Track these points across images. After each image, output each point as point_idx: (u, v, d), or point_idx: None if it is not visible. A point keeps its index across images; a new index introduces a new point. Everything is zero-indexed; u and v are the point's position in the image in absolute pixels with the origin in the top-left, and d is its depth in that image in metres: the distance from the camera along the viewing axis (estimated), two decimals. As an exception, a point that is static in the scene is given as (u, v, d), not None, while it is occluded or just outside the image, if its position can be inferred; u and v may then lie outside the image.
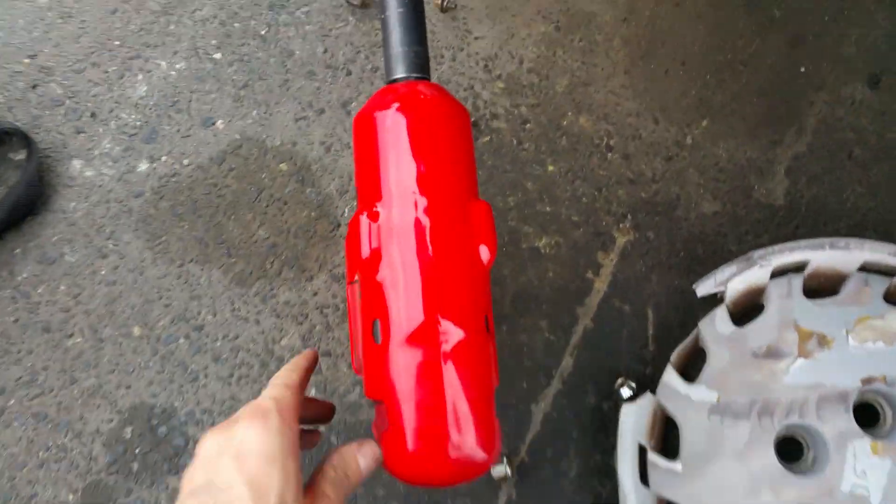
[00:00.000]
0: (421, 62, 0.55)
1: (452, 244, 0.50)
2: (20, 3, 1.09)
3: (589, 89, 1.19)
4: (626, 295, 1.04)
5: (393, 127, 0.51)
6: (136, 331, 0.92)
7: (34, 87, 1.02)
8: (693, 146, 1.16)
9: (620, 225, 1.09)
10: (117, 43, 1.09)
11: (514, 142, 1.14)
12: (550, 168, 1.12)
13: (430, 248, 0.49)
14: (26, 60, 1.04)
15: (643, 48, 1.24)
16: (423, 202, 0.50)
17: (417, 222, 0.49)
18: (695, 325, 0.93)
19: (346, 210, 1.04)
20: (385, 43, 0.55)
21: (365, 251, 0.50)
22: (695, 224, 1.10)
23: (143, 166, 1.01)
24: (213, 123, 1.05)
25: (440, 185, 0.51)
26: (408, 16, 0.54)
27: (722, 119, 1.19)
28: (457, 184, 0.52)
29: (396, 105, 0.51)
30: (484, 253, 0.51)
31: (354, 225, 0.52)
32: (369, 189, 0.51)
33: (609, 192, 1.11)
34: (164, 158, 1.02)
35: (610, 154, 1.14)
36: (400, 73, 0.54)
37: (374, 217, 0.49)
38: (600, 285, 1.05)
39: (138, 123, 1.03)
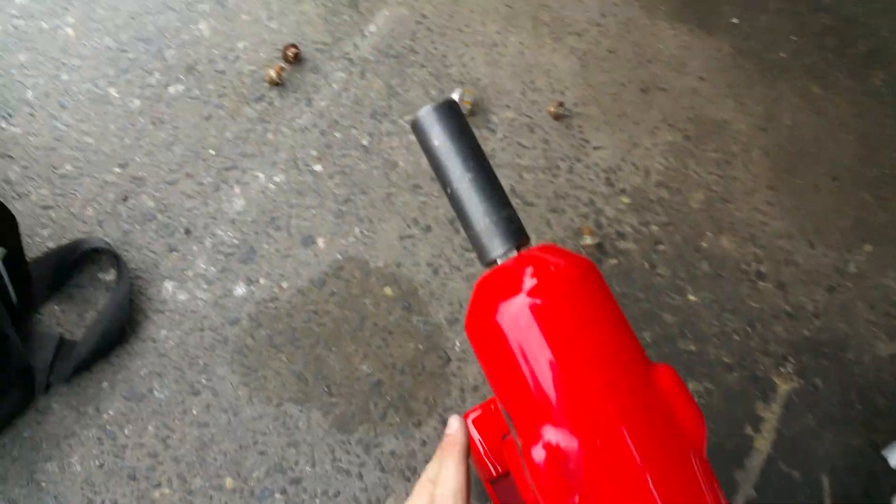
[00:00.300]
0: (517, 225, 0.50)
1: (667, 448, 0.44)
2: (112, 107, 1.18)
3: (729, 206, 1.21)
4: (794, 457, 1.01)
5: (533, 320, 0.45)
6: (229, 483, 0.93)
7: (125, 199, 1.09)
8: (857, 275, 1.16)
9: (781, 369, 1.07)
10: (212, 152, 1.16)
11: (646, 265, 1.15)
12: (691, 297, 1.12)
13: (647, 470, 0.43)
14: (117, 170, 1.12)
15: (787, 160, 1.27)
16: (610, 403, 0.44)
17: (619, 437, 0.43)
18: (881, 495, 0.89)
19: (458, 342, 1.05)
20: (464, 221, 0.50)
21: (562, 497, 0.43)
22: (870, 369, 1.07)
23: (240, 290, 1.05)
24: (314, 242, 1.10)
25: (618, 374, 0.45)
26: (480, 179, 0.50)
27: (887, 243, 1.18)
28: (632, 360, 0.46)
29: (530, 284, 0.46)
30: (696, 434, 0.47)
31: (514, 464, 0.47)
32: (526, 409, 0.45)
33: (764, 327, 1.10)
34: (261, 281, 1.05)
35: (761, 282, 1.14)
36: (500, 248, 0.50)
37: (557, 454, 0.43)
38: (762, 444, 1.02)
39: (235, 241, 1.08)
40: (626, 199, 1.20)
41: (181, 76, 1.22)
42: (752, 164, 1.23)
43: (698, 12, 1.44)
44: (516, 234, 0.51)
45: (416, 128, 0.53)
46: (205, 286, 1.03)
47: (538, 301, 0.45)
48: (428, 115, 0.52)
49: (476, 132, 1.22)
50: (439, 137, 0.51)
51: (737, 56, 1.39)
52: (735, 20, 1.44)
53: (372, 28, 1.34)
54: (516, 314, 0.45)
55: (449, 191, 0.52)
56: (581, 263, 0.48)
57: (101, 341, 0.93)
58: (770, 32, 1.43)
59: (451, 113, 0.52)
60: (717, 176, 1.22)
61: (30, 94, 1.16)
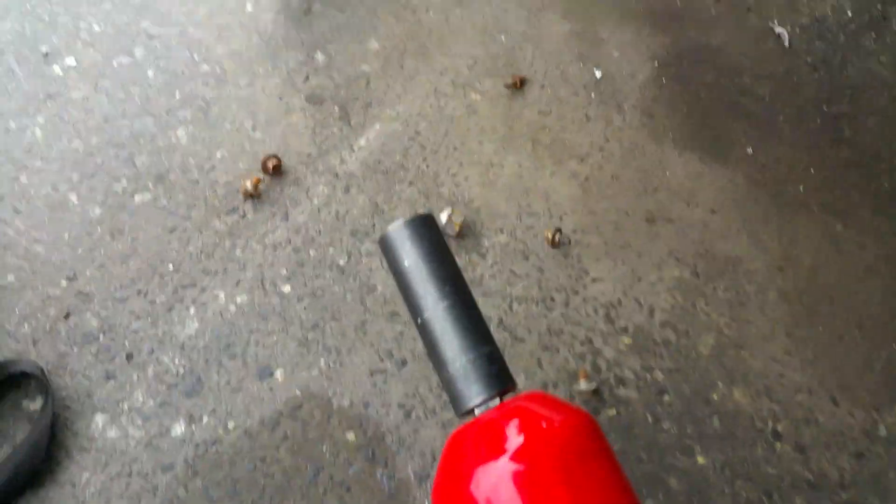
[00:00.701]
0: (500, 367, 0.44)
1: None
2: (70, 214, 1.12)
3: (742, 353, 1.12)
4: None
5: (517, 494, 0.37)
6: None
7: (67, 316, 1.01)
8: (889, 440, 1.04)
9: (802, 552, 0.95)
10: (171, 267, 1.09)
11: (650, 419, 1.04)
12: (700, 460, 1.01)
13: None
14: (64, 283, 1.05)
15: (806, 305, 1.19)
16: None
17: None
18: None
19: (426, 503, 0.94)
20: (437, 359, 0.44)
21: None
22: (909, 558, 0.94)
23: (179, 429, 0.95)
24: (272, 374, 1.01)
25: None
26: (458, 308, 0.44)
27: (924, 405, 1.08)
28: None
29: (515, 445, 0.38)
30: None
31: None
32: None
33: (782, 498, 0.98)
34: (205, 419, 0.95)
35: (779, 444, 1.03)
36: (479, 395, 0.42)
37: None
38: None
39: (181, 371, 0.99)
40: (627, 340, 1.11)
41: (150, 184, 1.17)
42: (768, 308, 1.15)
43: (710, 140, 1.40)
44: (499, 378, 0.43)
45: (385, 246, 0.47)
46: (139, 422, 0.94)
47: (524, 467, 0.37)
48: (398, 232, 0.46)
49: (465, 257, 1.15)
50: (411, 257, 0.45)
51: (752, 188, 1.33)
52: (750, 150, 1.40)
53: (362, 142, 1.30)
54: (496, 484, 0.37)
55: (420, 321, 0.45)
56: (578, 418, 0.40)
57: (6, 485, 0.82)
58: (788, 165, 1.38)
59: (426, 229, 0.46)
60: (730, 319, 1.13)
61: (-19, 198, 1.11)
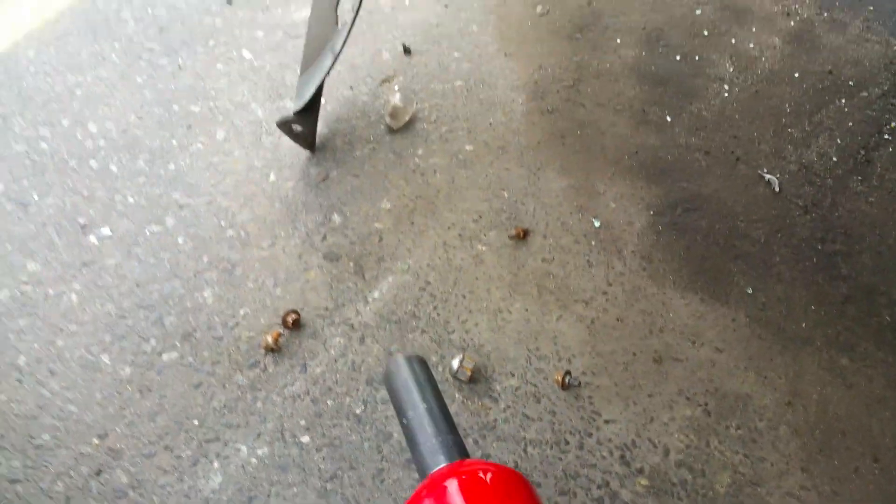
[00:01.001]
0: (462, 448, 0.56)
1: None
2: (101, 374, 1.21)
3: (759, 490, 1.14)
4: None
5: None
6: None
7: (98, 473, 1.07)
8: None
9: None
10: (195, 422, 1.16)
11: (669, 560, 1.06)
12: None
13: None
14: (95, 441, 1.11)
15: (819, 439, 1.22)
16: None
17: None
18: None
19: None
20: (413, 442, 0.57)
21: None
22: None
23: (203, 583, 0.98)
24: (293, 526, 1.05)
25: None
26: (434, 410, 0.58)
27: (948, 538, 1.09)
28: None
29: (455, 481, 0.50)
30: None
31: None
32: None
33: None
34: (228, 573, 0.99)
35: (802, 584, 1.04)
36: (440, 461, 0.54)
37: None
38: None
39: (205, 525, 1.03)
40: (643, 481, 1.14)
41: (177, 343, 1.26)
42: (781, 443, 1.19)
43: (709, 282, 1.48)
44: (460, 452, 0.55)
45: (387, 373, 0.62)
46: (164, 577, 0.97)
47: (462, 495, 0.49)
48: (396, 363, 0.62)
49: (477, 401, 1.22)
50: (401, 378, 0.61)
51: (754, 326, 1.40)
52: (749, 290, 1.48)
53: (376, 294, 1.39)
54: None
55: (405, 420, 0.58)
56: (508, 473, 0.51)
57: None
58: (788, 303, 1.45)
59: (419, 362, 0.62)
60: (744, 456, 1.17)
61: (22, 360, 1.20)
